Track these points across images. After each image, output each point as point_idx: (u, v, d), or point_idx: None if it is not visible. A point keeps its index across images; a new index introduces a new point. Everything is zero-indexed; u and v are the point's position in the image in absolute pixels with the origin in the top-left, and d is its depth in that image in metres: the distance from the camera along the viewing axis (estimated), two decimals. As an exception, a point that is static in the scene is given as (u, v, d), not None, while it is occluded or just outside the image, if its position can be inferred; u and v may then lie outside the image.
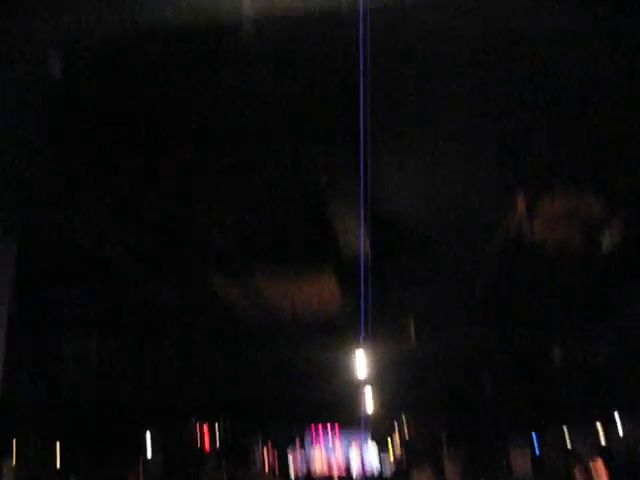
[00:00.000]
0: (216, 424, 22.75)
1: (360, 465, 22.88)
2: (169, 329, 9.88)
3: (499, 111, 4.44)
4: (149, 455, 19.90)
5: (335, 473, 22.19)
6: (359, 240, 6.05)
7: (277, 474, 17.96)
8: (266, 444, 24.37)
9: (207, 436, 23.26)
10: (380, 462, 23.08)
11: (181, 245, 6.82)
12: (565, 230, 6.56)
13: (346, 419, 21.06)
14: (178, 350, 10.75)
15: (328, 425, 24.72)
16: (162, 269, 7.57)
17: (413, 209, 5.93)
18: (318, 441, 25.08)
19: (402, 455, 22.98)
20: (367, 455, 23.51)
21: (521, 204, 6.01)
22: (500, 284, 7.98)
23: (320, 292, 8.94)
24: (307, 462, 22.77)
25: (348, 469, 22.16)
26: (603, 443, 14.24)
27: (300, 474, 21.81)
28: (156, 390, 14.20)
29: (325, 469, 22.69)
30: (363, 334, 8.68)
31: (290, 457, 23.69)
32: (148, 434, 20.04)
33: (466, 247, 7.07)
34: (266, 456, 23.88)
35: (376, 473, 19.78)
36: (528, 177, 5.52)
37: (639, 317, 8.20)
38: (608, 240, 6.11)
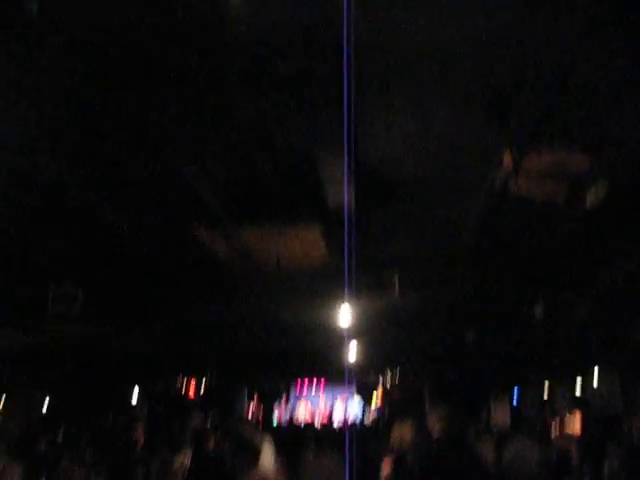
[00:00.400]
0: (202, 377, 23.04)
1: (344, 416, 23.28)
2: (153, 282, 9.84)
3: (488, 62, 4.35)
4: (135, 405, 20.19)
5: (318, 422, 22.56)
6: (343, 191, 5.99)
7: (262, 425, 18.23)
8: (252, 398, 24.72)
9: (193, 388, 23.54)
10: (364, 415, 23.49)
11: (165, 197, 6.75)
12: (551, 185, 6.54)
13: (331, 373, 21.33)
14: (163, 303, 10.74)
15: (314, 379, 25.06)
16: (146, 220, 7.51)
17: (399, 160, 5.87)
18: (303, 395, 25.46)
19: (385, 408, 23.45)
20: (351, 408, 23.90)
21: (508, 158, 5.96)
22: (486, 238, 7.98)
23: (304, 245, 8.91)
24: (292, 414, 23.13)
25: (331, 420, 22.53)
26: (579, 395, 14.57)
27: (284, 424, 22.21)
28: (142, 343, 14.29)
29: (308, 419, 23.08)
30: (347, 288, 8.69)
31: (276, 411, 24.06)
32: (136, 387, 20.32)
33: (453, 201, 7.04)
34: (252, 409, 24.27)
35: (359, 424, 20.08)
36: (516, 131, 5.46)
37: (622, 274, 8.25)
38: (594, 196, 6.10)
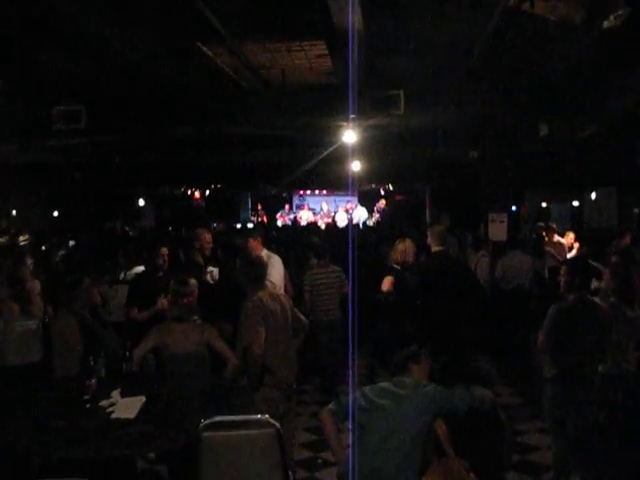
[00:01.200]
0: (208, 187, 23.54)
1: (347, 220, 24.02)
2: (160, 97, 9.76)
3: None
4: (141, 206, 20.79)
5: (321, 222, 23.36)
6: (348, 6, 5.75)
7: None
8: (256, 207, 25.38)
9: (199, 196, 24.10)
10: (365, 222, 24.27)
11: (170, 14, 6.52)
12: (568, 5, 6.27)
13: (335, 184, 21.65)
14: (170, 117, 10.65)
15: (317, 190, 25.52)
16: (151, 37, 7.31)
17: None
18: (306, 203, 26.06)
19: (387, 214, 24.36)
20: (355, 215, 24.61)
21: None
22: (495, 57, 7.78)
23: (310, 59, 8.74)
24: (294, 220, 23.84)
25: (334, 221, 23.28)
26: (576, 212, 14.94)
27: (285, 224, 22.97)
28: (148, 156, 14.42)
29: (310, 220, 23.78)
30: (351, 104, 8.62)
31: (279, 218, 24.78)
32: (141, 199, 20.80)
33: (464, 17, 6.79)
34: (256, 218, 25.03)
35: (361, 226, 20.65)
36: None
37: (630, 100, 8.14)
38: (612, 22, 5.84)
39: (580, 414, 4.89)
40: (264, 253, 6.81)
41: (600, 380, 4.99)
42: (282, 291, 6.71)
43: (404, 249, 7.51)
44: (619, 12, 5.12)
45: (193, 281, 5.13)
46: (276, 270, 6.85)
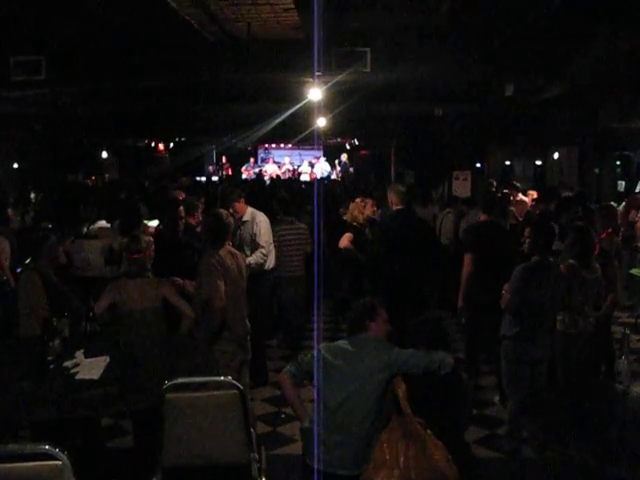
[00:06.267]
0: (170, 140, 23.20)
1: (311, 173, 23.97)
2: (124, 51, 9.54)
3: None
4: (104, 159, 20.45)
5: (284, 175, 23.32)
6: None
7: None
8: (221, 161, 25.15)
9: (162, 149, 23.75)
10: (329, 174, 24.27)
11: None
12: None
13: (300, 138, 21.51)
14: (135, 69, 10.42)
15: (283, 143, 25.33)
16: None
17: None
18: (272, 156, 25.91)
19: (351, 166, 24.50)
20: (317, 169, 24.58)
21: None
22: (460, 18, 7.76)
23: (276, 12, 8.60)
24: (260, 172, 23.71)
25: (299, 175, 23.26)
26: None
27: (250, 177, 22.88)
28: (113, 106, 14.11)
29: (274, 174, 23.70)
30: (317, 60, 8.53)
31: (244, 172, 24.62)
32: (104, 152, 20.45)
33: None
34: (223, 169, 24.84)
35: (325, 181, 20.59)
36: None
37: (593, 59, 8.19)
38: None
39: (536, 371, 5.06)
40: (249, 211, 6.88)
41: (558, 339, 5.16)
42: (272, 249, 6.94)
43: (355, 207, 7.81)
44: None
45: (146, 238, 5.16)
46: (264, 229, 6.87)
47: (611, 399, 3.80)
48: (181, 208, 6.30)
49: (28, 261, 5.05)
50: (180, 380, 3.46)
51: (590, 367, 5.34)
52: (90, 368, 3.81)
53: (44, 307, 4.66)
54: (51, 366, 3.85)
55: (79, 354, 4.01)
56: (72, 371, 3.78)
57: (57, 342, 3.98)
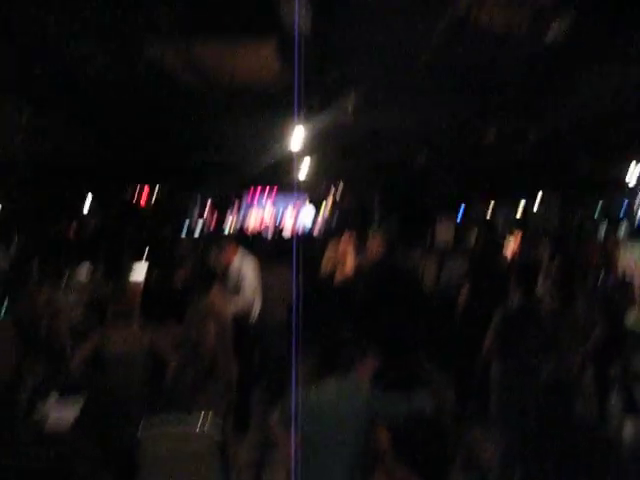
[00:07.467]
0: (155, 187, 23.07)
1: (293, 224, 23.90)
2: (107, 98, 9.55)
3: None
4: (86, 212, 20.27)
5: (267, 230, 23.24)
6: (295, 8, 5.73)
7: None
8: (205, 206, 25.03)
9: (145, 197, 23.58)
10: (313, 224, 24.21)
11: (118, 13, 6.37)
12: (515, 14, 6.35)
13: (282, 184, 21.57)
14: (117, 115, 10.46)
15: (266, 189, 25.34)
16: (97, 37, 7.14)
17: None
18: (255, 203, 25.87)
19: (333, 217, 24.29)
20: (302, 216, 24.53)
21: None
22: (442, 62, 7.84)
23: (257, 61, 8.64)
24: (243, 220, 23.67)
25: (281, 228, 23.23)
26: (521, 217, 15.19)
27: (235, 230, 22.72)
28: (95, 154, 14.09)
29: (258, 226, 23.62)
30: (297, 108, 8.56)
31: (228, 217, 24.55)
32: (89, 196, 20.24)
33: (411, 23, 6.83)
34: (206, 216, 24.70)
35: (307, 232, 20.60)
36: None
37: (572, 105, 8.32)
38: (557, 27, 5.97)
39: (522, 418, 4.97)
40: (239, 252, 6.96)
41: (542, 388, 5.08)
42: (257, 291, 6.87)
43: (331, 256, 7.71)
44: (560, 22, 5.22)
45: (133, 285, 5.19)
46: (251, 271, 6.89)
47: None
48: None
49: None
50: (155, 430, 3.35)
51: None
52: (63, 411, 3.69)
53: (15, 355, 4.55)
54: (23, 412, 3.73)
55: (54, 395, 3.90)
56: (44, 417, 3.65)
57: (29, 386, 3.87)
